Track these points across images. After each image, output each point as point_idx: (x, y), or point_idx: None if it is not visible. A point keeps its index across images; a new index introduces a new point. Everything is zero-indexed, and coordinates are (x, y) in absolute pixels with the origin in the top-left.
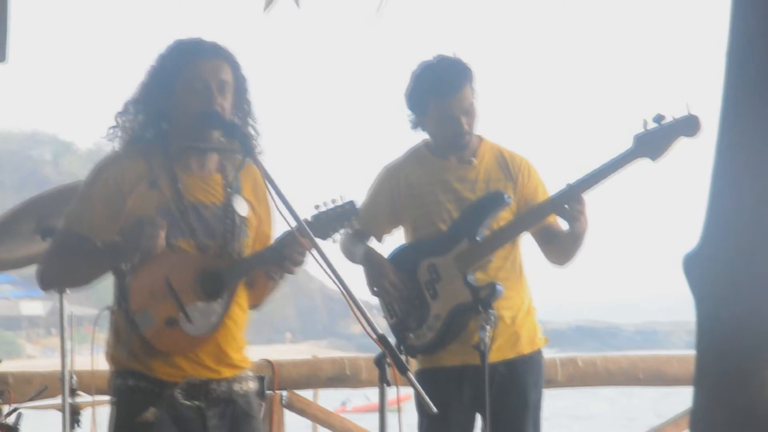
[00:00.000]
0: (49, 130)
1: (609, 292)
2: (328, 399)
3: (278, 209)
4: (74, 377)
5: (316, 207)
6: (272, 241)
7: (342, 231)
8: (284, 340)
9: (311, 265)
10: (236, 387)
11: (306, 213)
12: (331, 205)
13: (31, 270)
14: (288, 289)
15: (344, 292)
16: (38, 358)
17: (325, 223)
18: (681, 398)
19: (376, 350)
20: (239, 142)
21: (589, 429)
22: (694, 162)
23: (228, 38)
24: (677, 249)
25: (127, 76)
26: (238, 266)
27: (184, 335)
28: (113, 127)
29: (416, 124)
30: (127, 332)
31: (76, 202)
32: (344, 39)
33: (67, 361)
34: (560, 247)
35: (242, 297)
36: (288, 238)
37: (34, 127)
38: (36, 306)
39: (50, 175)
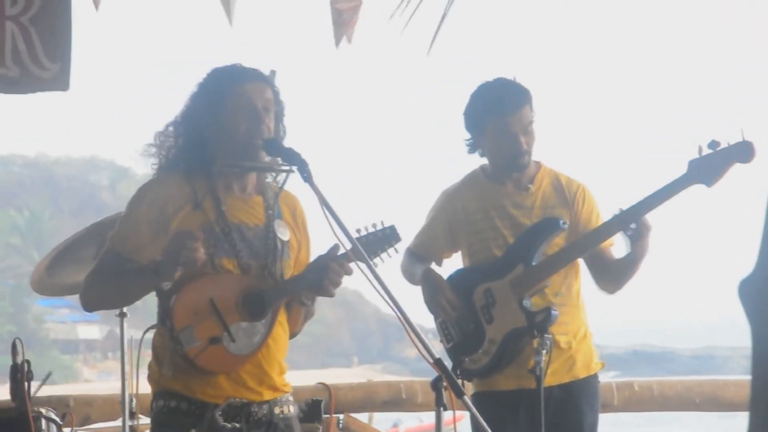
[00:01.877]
0: (107, 155)
1: (665, 316)
2: (382, 422)
3: (333, 231)
4: (134, 400)
5: (357, 231)
6: (308, 260)
7: (383, 255)
8: (350, 364)
9: (366, 288)
10: (277, 410)
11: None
12: (372, 230)
13: None
14: (343, 313)
15: (399, 314)
16: (95, 382)
17: (367, 246)
18: (736, 422)
19: (431, 374)
20: (297, 167)
21: None
22: (752, 186)
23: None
24: (734, 273)
25: (181, 101)
26: (281, 287)
27: (227, 354)
28: (150, 144)
29: (474, 147)
30: (171, 352)
31: (120, 224)
32: (393, 73)
33: (126, 384)
34: (615, 273)
35: (284, 319)
36: (327, 260)
37: (93, 152)
38: (93, 330)
39: (107, 200)
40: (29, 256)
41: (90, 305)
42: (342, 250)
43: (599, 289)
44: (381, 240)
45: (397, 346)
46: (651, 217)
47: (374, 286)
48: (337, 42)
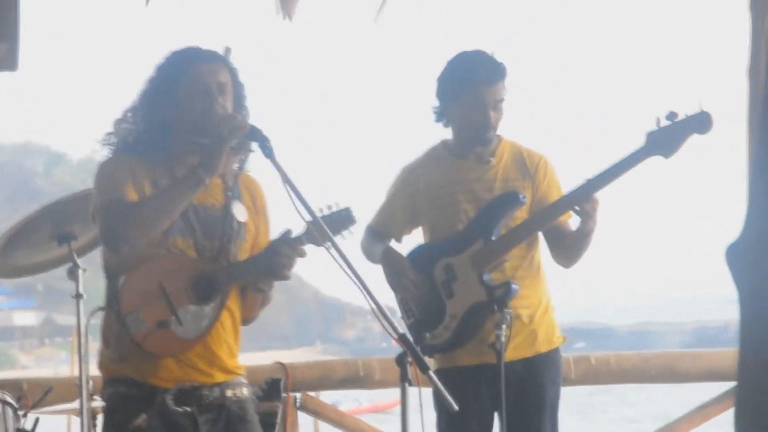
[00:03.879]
0: (42, 140)
1: (603, 295)
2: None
3: (296, 209)
4: (91, 382)
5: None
6: (266, 242)
7: (338, 238)
8: (290, 347)
9: (306, 271)
10: (229, 392)
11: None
12: (327, 212)
13: (25, 280)
14: (282, 295)
15: (363, 290)
16: (32, 368)
17: (320, 229)
18: (691, 395)
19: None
20: (259, 144)
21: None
22: (690, 161)
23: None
24: (671, 251)
25: (120, 87)
26: (231, 270)
27: (174, 338)
28: (110, 133)
29: (441, 116)
30: (117, 335)
31: (100, 186)
32: (344, 43)
33: (83, 367)
34: (568, 247)
35: (234, 303)
36: (279, 243)
37: (27, 138)
38: (29, 316)
39: (42, 185)
40: None
41: (143, 232)
42: (294, 233)
43: (555, 262)
44: (336, 222)
45: (337, 327)
46: (606, 190)
47: (340, 266)
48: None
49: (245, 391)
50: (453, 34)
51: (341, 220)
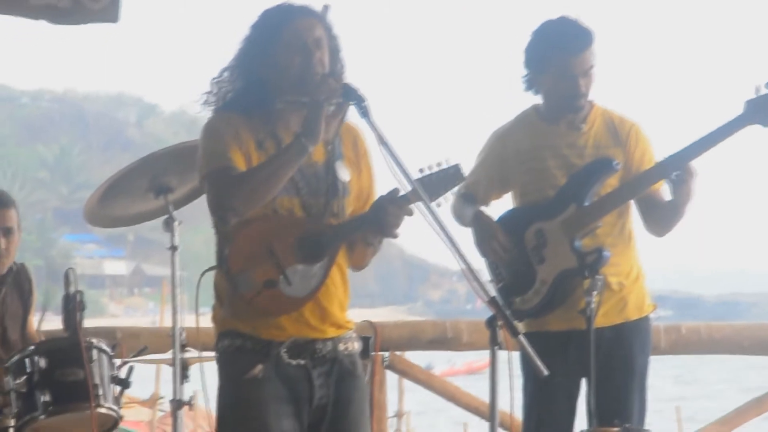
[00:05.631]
0: (135, 92)
1: (691, 262)
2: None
3: (391, 171)
4: (183, 333)
5: (420, 170)
6: (372, 197)
7: (447, 195)
8: (374, 305)
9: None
10: (341, 347)
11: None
12: (436, 169)
13: (116, 230)
14: None
15: (456, 251)
16: (121, 317)
17: (430, 186)
18: None
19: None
20: (355, 103)
21: (698, 394)
22: None
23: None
24: (761, 222)
25: (212, 41)
26: (338, 230)
27: (284, 297)
28: (208, 92)
29: (531, 84)
30: (230, 294)
31: (204, 150)
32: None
33: (177, 318)
34: (661, 216)
35: (342, 259)
36: (385, 202)
37: (120, 89)
38: (119, 266)
39: (134, 136)
40: (57, 191)
41: (253, 200)
42: (402, 191)
43: (648, 231)
44: (444, 179)
45: (421, 287)
46: (701, 159)
47: (434, 229)
48: None
49: (356, 345)
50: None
51: (449, 177)
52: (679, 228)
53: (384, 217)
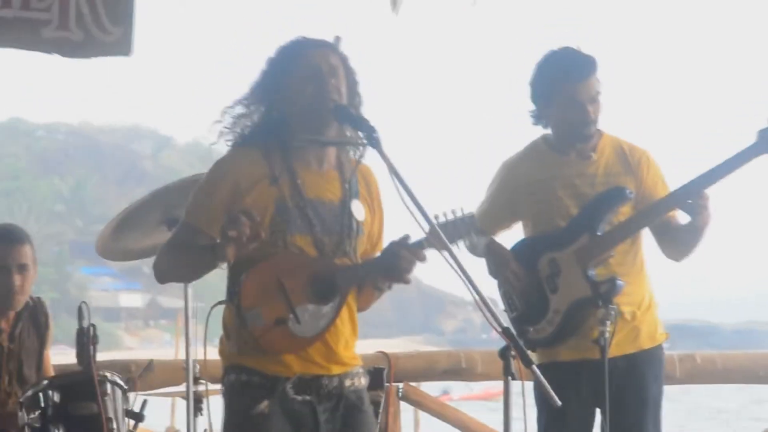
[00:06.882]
0: (150, 124)
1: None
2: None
3: (406, 206)
4: (197, 366)
5: (436, 217)
6: (381, 240)
7: (460, 243)
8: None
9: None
10: (347, 383)
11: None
12: (452, 217)
13: (131, 262)
14: None
15: (468, 282)
16: (136, 350)
17: (445, 233)
18: None
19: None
20: (365, 134)
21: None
22: None
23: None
24: None
25: (227, 74)
26: (351, 272)
27: (291, 335)
28: (224, 125)
29: (539, 118)
30: (237, 329)
31: (195, 195)
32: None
33: (191, 350)
34: (680, 241)
35: (351, 297)
36: (399, 247)
37: (135, 121)
38: (135, 298)
39: (149, 168)
40: (73, 224)
41: (161, 277)
42: (414, 236)
43: (666, 256)
44: (460, 228)
45: (438, 317)
46: (714, 187)
47: (447, 260)
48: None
49: (362, 381)
50: (553, 18)
51: (464, 226)
52: (695, 255)
53: (397, 262)
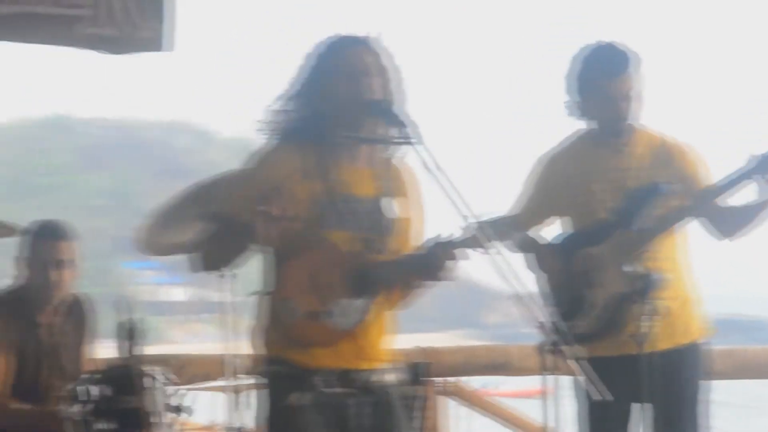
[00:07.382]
0: (190, 119)
1: (756, 285)
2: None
3: (450, 199)
4: (238, 360)
5: (475, 215)
6: (419, 237)
7: (500, 240)
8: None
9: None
10: (376, 378)
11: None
12: (492, 215)
13: (175, 257)
14: None
15: (509, 277)
16: (180, 343)
17: (486, 231)
18: None
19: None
20: (402, 130)
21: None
22: None
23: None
24: None
25: (268, 69)
26: (386, 268)
27: (324, 329)
28: (264, 121)
29: (573, 110)
30: (270, 320)
31: (230, 185)
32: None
33: (231, 345)
34: (738, 218)
35: (386, 296)
36: (437, 247)
37: (175, 116)
38: (178, 292)
39: (190, 163)
40: (115, 219)
41: (198, 264)
42: (454, 235)
43: (717, 235)
44: (499, 225)
45: (481, 312)
46: None
47: (498, 268)
48: None
49: (392, 377)
50: (556, 17)
51: (503, 224)
52: (738, 247)
53: (434, 260)
